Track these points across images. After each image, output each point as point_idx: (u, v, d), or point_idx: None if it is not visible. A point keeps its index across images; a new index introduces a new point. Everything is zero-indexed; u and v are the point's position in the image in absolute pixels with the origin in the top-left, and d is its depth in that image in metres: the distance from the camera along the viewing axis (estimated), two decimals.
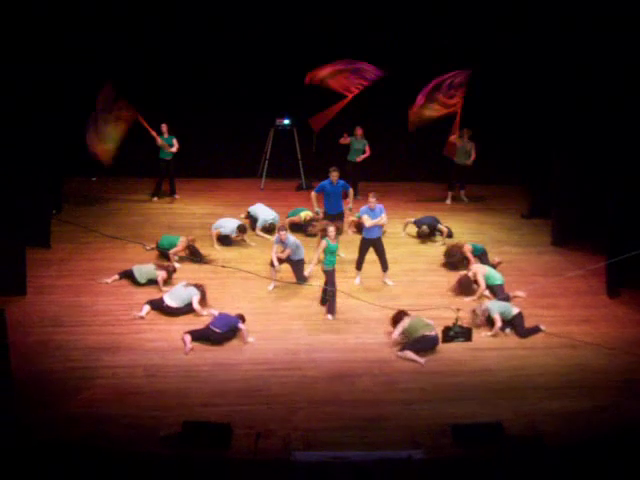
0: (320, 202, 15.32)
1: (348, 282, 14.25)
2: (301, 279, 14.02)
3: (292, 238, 14.09)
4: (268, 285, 14.17)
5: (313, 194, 15.21)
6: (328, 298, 13.34)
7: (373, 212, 14.01)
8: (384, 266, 14.39)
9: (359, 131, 18.03)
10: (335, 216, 14.98)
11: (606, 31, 14.30)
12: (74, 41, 16.60)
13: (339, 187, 15.01)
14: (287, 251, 13.87)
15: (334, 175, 14.93)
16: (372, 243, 14.20)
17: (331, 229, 13.30)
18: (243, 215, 16.86)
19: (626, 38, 13.97)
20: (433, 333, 12.45)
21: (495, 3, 17.15)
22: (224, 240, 15.81)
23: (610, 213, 14.43)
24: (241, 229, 15.76)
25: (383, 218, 14.05)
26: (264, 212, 16.47)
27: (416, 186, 19.32)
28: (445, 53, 18.20)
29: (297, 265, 14.11)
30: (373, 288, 14.35)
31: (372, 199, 14.01)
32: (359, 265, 14.40)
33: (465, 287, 14.29)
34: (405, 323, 12.51)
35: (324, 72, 16.79)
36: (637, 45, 13.81)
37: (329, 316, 13.31)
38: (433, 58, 18.23)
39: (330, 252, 13.30)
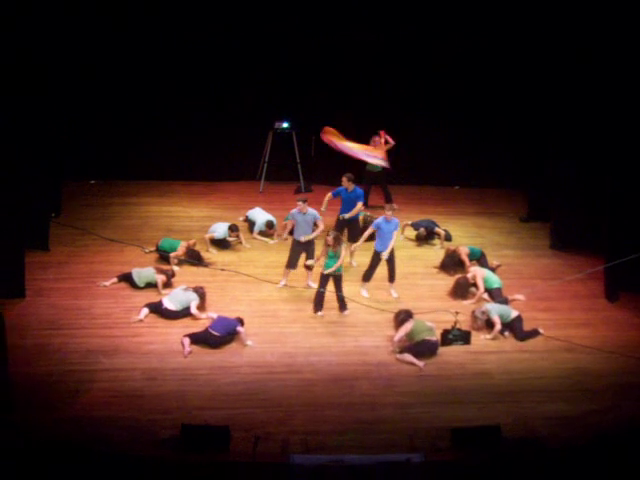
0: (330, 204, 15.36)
1: (349, 285, 14.14)
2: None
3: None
4: (277, 284, 14.21)
5: (328, 195, 15.24)
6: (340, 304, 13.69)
7: (389, 223, 13.95)
8: (391, 277, 14.28)
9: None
10: (347, 222, 15.16)
11: (601, 31, 14.31)
12: (74, 43, 16.59)
13: (352, 195, 15.02)
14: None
15: (346, 183, 14.95)
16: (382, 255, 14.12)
17: (329, 237, 13.33)
18: (242, 218, 16.87)
19: (621, 39, 13.96)
20: (434, 338, 12.48)
21: (492, 6, 17.17)
22: (221, 244, 15.80)
23: (609, 216, 14.43)
24: (232, 228, 15.76)
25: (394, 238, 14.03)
26: (262, 216, 16.49)
27: (416, 189, 19.30)
28: (443, 56, 18.28)
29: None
30: (372, 291, 14.31)
31: (389, 212, 13.98)
32: (367, 277, 14.26)
33: (462, 288, 14.27)
34: (408, 327, 12.51)
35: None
36: (633, 46, 13.79)
37: (319, 313, 13.53)
38: (430, 64, 18.37)
39: (329, 257, 13.37)
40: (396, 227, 14.00)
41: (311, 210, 14.19)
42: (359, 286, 14.29)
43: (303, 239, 14.08)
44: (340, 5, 17.38)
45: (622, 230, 14.13)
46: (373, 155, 15.96)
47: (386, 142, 16.99)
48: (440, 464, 9.98)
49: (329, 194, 15.28)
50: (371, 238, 14.44)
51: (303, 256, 14.29)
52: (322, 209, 15.17)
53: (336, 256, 13.29)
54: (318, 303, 13.58)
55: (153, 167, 18.63)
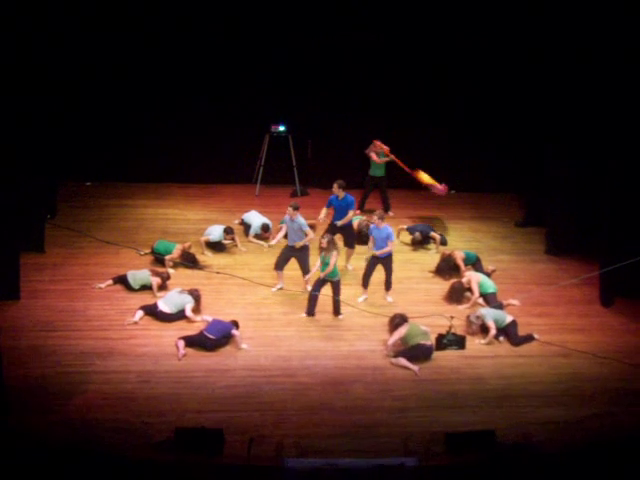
0: (328, 215, 15.17)
1: (345, 289, 14.06)
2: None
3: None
4: (272, 288, 14.19)
5: (324, 210, 15.02)
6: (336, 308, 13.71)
7: (379, 231, 13.90)
8: (388, 285, 14.23)
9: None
10: (340, 228, 14.98)
11: (601, 32, 14.30)
12: (70, 44, 16.57)
13: (343, 203, 14.89)
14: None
15: (337, 190, 14.75)
16: (380, 261, 14.07)
17: (323, 241, 13.41)
18: (237, 221, 16.85)
19: (621, 41, 13.95)
20: (429, 343, 12.48)
21: (488, 10, 17.18)
22: (217, 247, 15.79)
23: (604, 222, 14.44)
24: (227, 231, 15.76)
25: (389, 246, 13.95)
26: (257, 219, 16.47)
27: (411, 193, 19.27)
28: (441, 58, 18.29)
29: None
30: (367, 295, 14.31)
31: (374, 217, 13.94)
32: (364, 283, 14.20)
33: (457, 293, 14.27)
34: (402, 332, 12.50)
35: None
36: (632, 48, 13.78)
37: (303, 315, 13.57)
38: (428, 66, 18.38)
39: (321, 260, 13.41)
40: (389, 237, 13.83)
41: (299, 219, 13.94)
42: (358, 291, 14.25)
43: (296, 245, 14.05)
44: (339, 5, 17.33)
45: (617, 235, 14.12)
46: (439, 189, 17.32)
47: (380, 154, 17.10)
48: (434, 469, 9.98)
49: (324, 208, 15.04)
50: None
51: (294, 261, 14.23)
52: (320, 218, 15.07)
53: (326, 261, 13.28)
54: (309, 305, 13.57)
55: (149, 169, 18.60)
